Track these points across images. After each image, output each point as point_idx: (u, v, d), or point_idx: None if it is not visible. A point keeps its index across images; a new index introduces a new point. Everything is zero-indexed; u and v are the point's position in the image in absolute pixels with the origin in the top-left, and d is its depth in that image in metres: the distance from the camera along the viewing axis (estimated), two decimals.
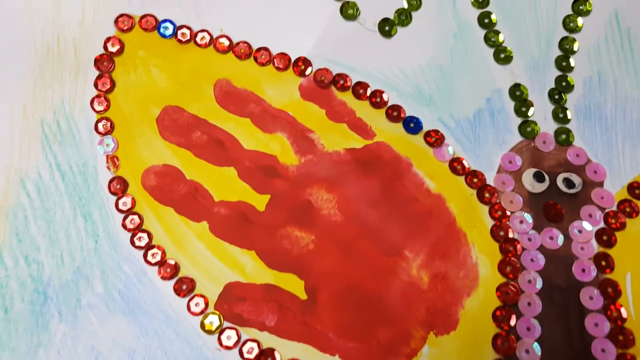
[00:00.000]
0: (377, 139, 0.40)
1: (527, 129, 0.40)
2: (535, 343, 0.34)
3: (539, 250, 0.37)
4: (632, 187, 0.38)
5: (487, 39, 0.42)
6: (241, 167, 0.39)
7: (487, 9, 0.42)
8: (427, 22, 0.42)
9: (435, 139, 0.40)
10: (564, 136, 0.40)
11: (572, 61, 0.41)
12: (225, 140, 0.40)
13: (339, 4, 0.42)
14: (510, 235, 0.37)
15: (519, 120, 0.40)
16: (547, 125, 0.40)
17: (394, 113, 0.40)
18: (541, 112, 0.41)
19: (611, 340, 0.34)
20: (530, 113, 0.40)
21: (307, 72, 0.41)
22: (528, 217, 0.37)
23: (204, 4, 0.42)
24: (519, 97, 0.41)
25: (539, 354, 0.34)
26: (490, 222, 0.38)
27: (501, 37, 0.42)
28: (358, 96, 0.41)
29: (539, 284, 0.36)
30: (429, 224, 0.38)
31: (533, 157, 0.39)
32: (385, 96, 0.41)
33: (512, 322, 0.35)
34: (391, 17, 0.42)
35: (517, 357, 0.34)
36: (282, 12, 0.42)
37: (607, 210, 0.38)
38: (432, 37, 0.42)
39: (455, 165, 0.39)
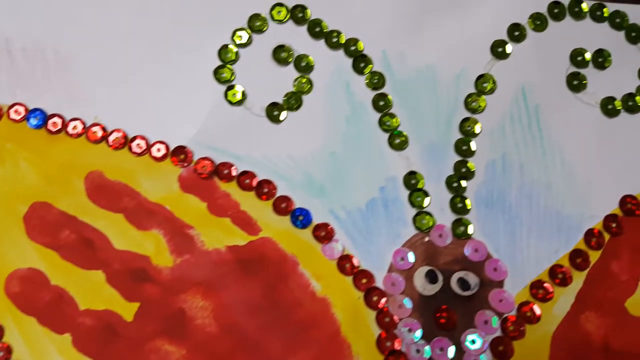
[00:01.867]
0: (262, 234, 0.37)
1: (421, 221, 0.37)
2: None
3: None
4: (534, 286, 0.35)
5: (381, 122, 0.39)
6: (110, 270, 0.36)
7: (383, 90, 0.39)
8: (318, 105, 0.39)
9: (324, 234, 0.36)
10: (462, 228, 0.37)
11: (473, 144, 0.38)
12: (95, 239, 0.36)
13: (223, 88, 0.39)
14: (397, 346, 0.34)
15: (413, 212, 0.37)
16: (444, 217, 0.37)
17: (282, 205, 0.37)
18: (438, 202, 0.38)
19: None
20: (425, 203, 0.37)
21: (188, 161, 0.37)
22: (417, 325, 0.34)
23: (78, 90, 0.39)
24: (414, 185, 0.37)
25: None
26: (377, 331, 0.34)
27: (397, 121, 0.39)
28: (243, 187, 0.37)
29: None
30: (313, 333, 0.34)
31: (427, 253, 0.36)
32: (272, 186, 0.37)
33: None
34: (280, 101, 0.39)
35: None
36: (162, 97, 0.39)
37: (505, 316, 0.34)
38: (324, 121, 0.39)
39: (344, 263, 0.36)
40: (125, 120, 0.39)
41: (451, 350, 0.34)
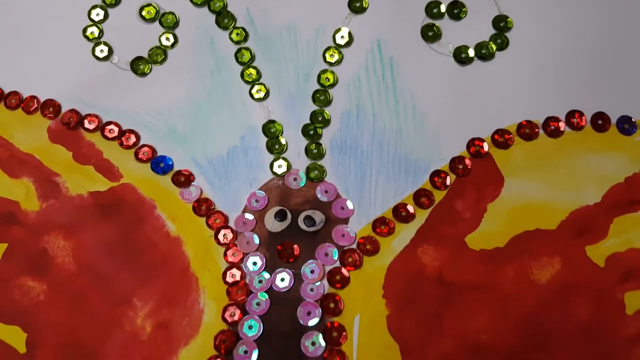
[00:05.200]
0: (123, 180, 0.39)
1: (278, 166, 0.39)
2: None
3: (268, 292, 0.35)
4: (376, 223, 0.37)
5: (244, 75, 0.41)
6: None
7: (246, 44, 0.41)
8: (183, 59, 0.41)
9: (183, 179, 0.38)
10: (315, 172, 0.39)
11: (330, 95, 0.40)
12: None
13: (91, 45, 0.41)
14: (240, 278, 0.36)
15: (271, 158, 0.39)
16: (300, 162, 0.39)
17: (144, 153, 0.39)
18: (295, 149, 0.39)
19: None
20: (282, 150, 0.39)
21: (56, 114, 0.40)
22: (261, 258, 0.36)
23: None
24: (273, 133, 0.39)
25: None
26: (225, 265, 0.36)
27: (258, 73, 0.41)
28: (107, 137, 0.39)
29: (259, 330, 0.34)
30: (163, 270, 0.37)
31: (281, 196, 0.38)
32: (136, 136, 0.39)
33: None
34: (145, 55, 0.41)
35: None
36: (35, 54, 0.41)
37: (345, 248, 0.36)
38: (189, 74, 0.41)
39: (200, 205, 0.38)
40: (2, 76, 0.41)
41: (291, 280, 0.36)
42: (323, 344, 0.34)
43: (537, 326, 0.34)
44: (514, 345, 0.34)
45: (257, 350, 0.34)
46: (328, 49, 0.41)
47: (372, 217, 0.38)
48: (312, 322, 0.34)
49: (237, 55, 0.41)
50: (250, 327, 0.34)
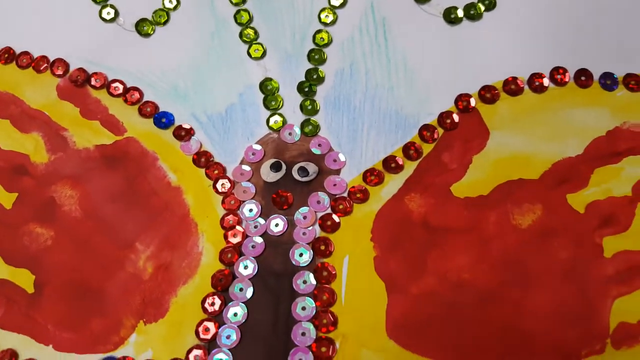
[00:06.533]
0: (127, 134, 0.41)
1: (275, 121, 0.41)
2: (232, 330, 0.35)
3: (263, 237, 0.37)
4: (367, 174, 0.39)
5: (242, 35, 0.43)
6: None
7: (245, 6, 0.43)
8: (185, 21, 0.43)
9: (184, 133, 0.41)
10: (310, 127, 0.41)
11: (325, 54, 0.42)
12: None
13: (98, 8, 0.43)
14: (235, 223, 0.38)
15: (268, 114, 0.41)
16: (295, 118, 0.41)
17: (147, 109, 0.41)
18: (290, 105, 0.41)
19: (314, 323, 0.35)
20: (278, 106, 0.41)
21: (65, 72, 0.42)
22: (257, 205, 0.38)
23: None
24: (270, 91, 0.41)
25: (235, 339, 0.35)
26: (222, 212, 0.39)
27: (256, 33, 0.43)
28: (112, 94, 0.42)
29: (254, 270, 0.36)
30: (164, 216, 0.39)
31: (277, 149, 0.40)
32: (139, 93, 0.42)
33: (217, 307, 0.35)
34: (149, 17, 0.43)
35: (217, 343, 0.35)
36: (43, 16, 0.44)
37: (336, 197, 0.38)
38: (190, 35, 0.43)
39: (200, 158, 0.40)
40: (13, 38, 0.43)
41: (284, 225, 0.38)
42: (314, 282, 0.36)
43: (516, 266, 0.36)
44: (494, 283, 0.35)
45: (251, 287, 0.36)
46: (323, 9, 0.43)
47: (363, 168, 0.40)
48: (304, 262, 0.36)
49: (236, 16, 0.43)
50: (245, 267, 0.36)
